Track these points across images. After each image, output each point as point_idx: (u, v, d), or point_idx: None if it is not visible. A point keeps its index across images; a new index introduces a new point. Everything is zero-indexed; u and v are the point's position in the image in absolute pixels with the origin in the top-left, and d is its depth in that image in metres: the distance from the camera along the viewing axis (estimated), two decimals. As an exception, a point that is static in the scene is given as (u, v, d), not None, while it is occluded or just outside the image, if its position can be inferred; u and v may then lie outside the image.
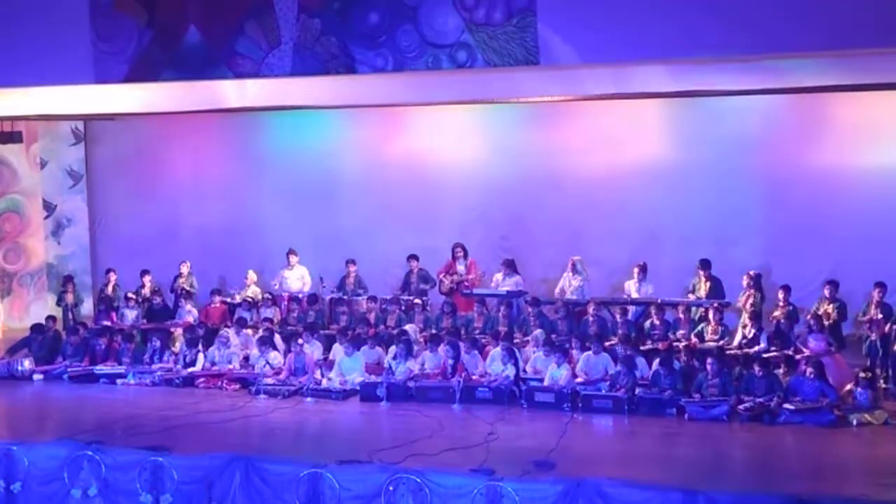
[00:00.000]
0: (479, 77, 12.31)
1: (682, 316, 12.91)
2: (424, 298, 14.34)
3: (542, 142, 15.20)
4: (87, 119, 16.70)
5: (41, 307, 16.50)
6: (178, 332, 14.33)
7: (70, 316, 15.08)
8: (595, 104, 14.45)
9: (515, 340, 12.94)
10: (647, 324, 13.04)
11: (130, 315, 14.61)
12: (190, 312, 14.78)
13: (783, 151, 14.18)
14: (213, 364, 13.19)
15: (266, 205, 16.39)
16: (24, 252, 17.01)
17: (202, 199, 16.62)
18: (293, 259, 15.19)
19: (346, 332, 13.42)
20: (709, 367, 11.38)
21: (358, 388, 12.11)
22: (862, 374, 11.17)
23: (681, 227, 14.51)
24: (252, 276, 15.31)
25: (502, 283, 14.21)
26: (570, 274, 13.94)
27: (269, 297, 14.79)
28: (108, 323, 14.46)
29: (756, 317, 12.54)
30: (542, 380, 11.94)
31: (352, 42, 12.30)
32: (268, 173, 16.47)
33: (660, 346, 12.51)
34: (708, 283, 13.30)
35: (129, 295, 14.80)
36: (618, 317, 13.19)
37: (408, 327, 13.55)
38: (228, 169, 16.63)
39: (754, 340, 12.28)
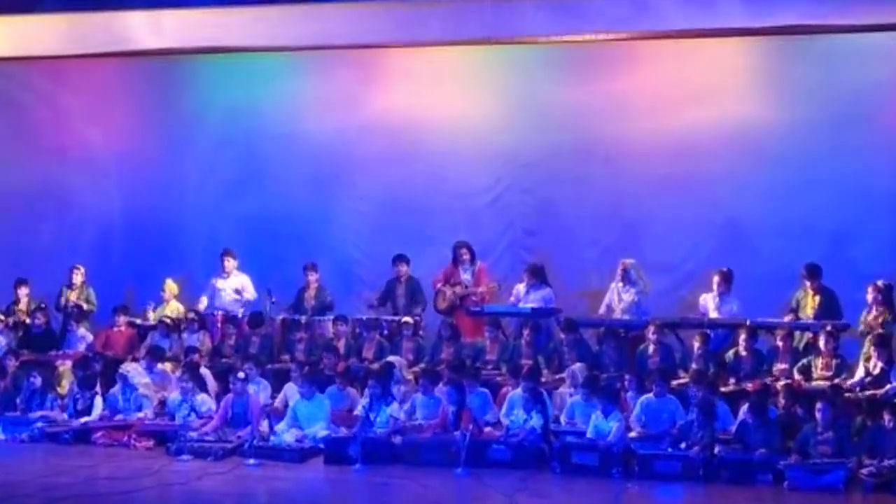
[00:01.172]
0: (491, 6, 12.30)
1: (780, 343, 12.94)
2: (416, 318, 14.38)
3: (581, 98, 15.24)
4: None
5: None
6: (67, 366, 14.37)
7: None
8: (657, 45, 14.47)
9: (544, 379, 12.95)
10: (732, 354, 13.04)
11: (-1, 342, 14.74)
12: (83, 339, 14.83)
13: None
14: (116, 412, 13.17)
15: (192, 187, 16.43)
16: None
17: (100, 177, 16.66)
18: (229, 264, 15.19)
19: (304, 367, 13.42)
20: (818, 415, 11.41)
21: (321, 445, 12.11)
22: None
23: (779, 218, 14.56)
24: (171, 287, 15.33)
25: (525, 297, 14.25)
26: (621, 284, 13.95)
27: (196, 316, 14.83)
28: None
29: (884, 344, 12.57)
30: (582, 433, 11.93)
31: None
32: (194, 143, 16.50)
33: (749, 385, 12.51)
34: (817, 298, 13.37)
35: (-3, 315, 14.94)
36: (693, 345, 13.19)
37: (391, 360, 13.58)
38: (138, 136, 16.66)
39: (883, 378, 12.31)
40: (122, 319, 14.95)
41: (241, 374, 12.89)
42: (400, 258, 14.83)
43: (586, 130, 15.19)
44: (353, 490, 11.36)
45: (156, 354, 14.14)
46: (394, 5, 12.32)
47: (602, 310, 14.08)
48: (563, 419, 12.37)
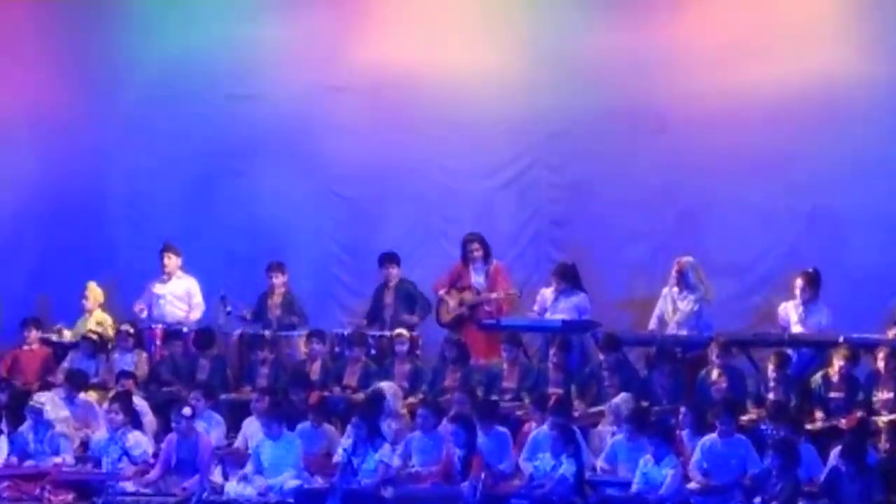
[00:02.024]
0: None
1: (882, 366, 12.93)
2: (412, 334, 14.39)
3: (623, 49, 15.23)
4: None
5: None
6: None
7: None
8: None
9: (577, 413, 12.97)
10: (820, 381, 13.04)
11: None
12: (-20, 361, 14.90)
13: None
14: (26, 456, 13.16)
15: (123, 164, 16.46)
16: None
17: (4, 147, 16.65)
18: (171, 262, 15.23)
19: (267, 398, 13.34)
20: (933, 460, 11.49)
21: (291, 499, 12.11)
22: None
23: (879, 205, 14.54)
24: (96, 292, 15.35)
25: (554, 306, 14.31)
26: (676, 290, 13.99)
27: (129, 331, 14.86)
28: None
29: None
30: (627, 484, 11.94)
31: None
32: (124, 104, 16.51)
33: (843, 422, 12.52)
34: (933, 308, 13.45)
35: None
36: (768, 369, 13.18)
37: (381, 387, 13.55)
38: (54, 95, 16.66)
39: None
40: (34, 335, 14.94)
41: (186, 410, 12.83)
42: (388, 259, 14.86)
43: (630, 91, 15.22)
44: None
45: (77, 380, 14.07)
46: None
47: (653, 323, 14.10)
48: (601, 465, 12.36)
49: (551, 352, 13.74)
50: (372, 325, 14.73)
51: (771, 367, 13.10)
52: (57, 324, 15.44)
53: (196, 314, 15.22)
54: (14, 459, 13.14)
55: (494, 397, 13.43)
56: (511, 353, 13.83)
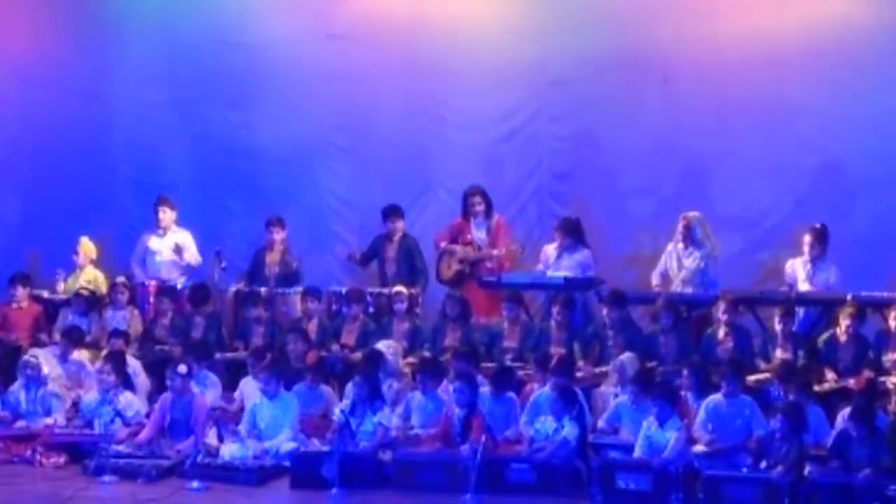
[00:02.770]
0: None
1: (893, 325, 12.83)
2: (412, 291, 14.34)
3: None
4: None
5: None
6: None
7: None
8: None
9: (580, 373, 12.91)
10: (827, 341, 12.99)
11: None
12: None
13: None
14: (16, 416, 13.13)
15: (116, 112, 16.37)
16: None
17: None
18: (165, 216, 15.17)
19: (264, 357, 13.30)
20: (945, 423, 11.41)
21: (287, 462, 12.04)
22: None
23: (891, 158, 14.42)
24: (88, 247, 15.28)
25: (557, 262, 14.23)
26: (682, 246, 13.93)
27: (123, 286, 14.79)
28: None
29: None
30: (630, 447, 11.86)
31: None
32: (118, 53, 16.41)
33: (851, 383, 12.46)
34: (945, 265, 13.46)
35: None
36: (774, 327, 13.11)
37: (382, 346, 13.48)
38: (45, 42, 16.52)
39: None
40: (22, 293, 14.83)
41: (181, 368, 12.73)
42: (393, 211, 14.76)
43: (635, 39, 15.11)
44: (328, 523, 11.32)
45: (74, 337, 14.02)
46: None
47: (656, 280, 14.04)
48: (603, 426, 12.31)
49: (554, 310, 13.65)
50: (364, 267, 14.87)
51: (777, 322, 13.05)
52: (57, 270, 15.32)
53: (192, 262, 15.22)
54: (7, 414, 13.09)
55: (497, 357, 13.40)
56: (512, 311, 13.78)
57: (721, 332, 13.17)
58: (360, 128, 15.83)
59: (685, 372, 12.51)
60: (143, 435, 12.56)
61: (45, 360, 13.43)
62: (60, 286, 15.11)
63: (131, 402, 12.97)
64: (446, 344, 13.65)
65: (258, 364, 13.04)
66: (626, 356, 12.84)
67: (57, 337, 14.32)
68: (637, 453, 11.69)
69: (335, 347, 13.92)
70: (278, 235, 14.87)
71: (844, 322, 12.83)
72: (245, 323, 14.42)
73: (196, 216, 15.48)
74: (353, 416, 12.27)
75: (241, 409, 12.94)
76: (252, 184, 15.80)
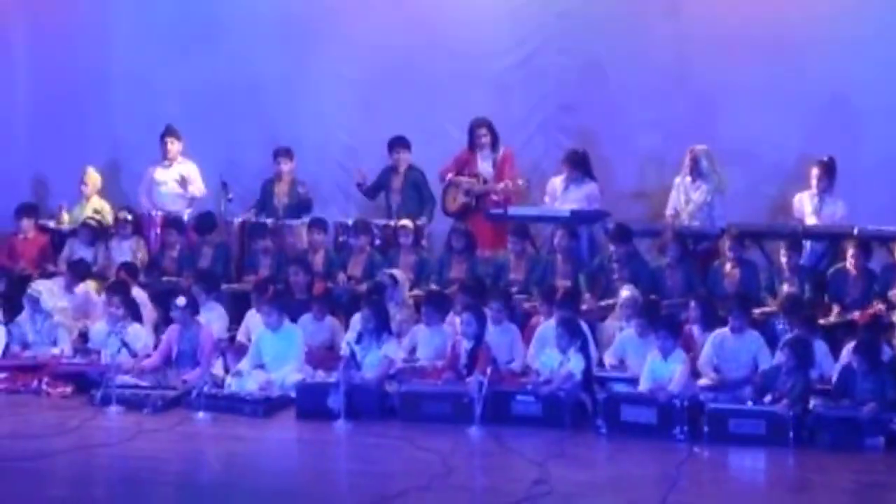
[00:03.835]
0: None
1: (899, 259, 12.96)
2: (418, 223, 14.37)
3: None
4: None
5: None
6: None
7: None
8: None
9: (585, 306, 12.90)
10: (833, 274, 13.00)
11: None
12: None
13: None
14: (24, 347, 13.18)
15: (122, 44, 16.35)
16: None
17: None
18: (172, 147, 15.18)
19: (266, 290, 13.29)
20: (948, 359, 11.39)
21: (292, 393, 12.08)
22: None
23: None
24: (94, 176, 15.32)
25: (564, 195, 14.22)
26: (689, 179, 13.92)
27: (128, 218, 14.81)
28: None
29: None
30: (634, 381, 11.90)
31: None
32: None
33: (856, 315, 12.46)
34: (953, 199, 13.45)
35: None
36: (781, 260, 13.12)
37: (389, 273, 13.51)
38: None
39: None
40: (27, 223, 14.89)
41: (180, 300, 12.78)
42: (399, 142, 14.72)
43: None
44: (334, 454, 11.31)
45: (78, 270, 14.06)
46: None
47: (669, 213, 14.06)
48: (610, 361, 12.33)
49: (560, 242, 13.66)
50: (371, 198, 14.86)
51: (783, 255, 13.08)
52: (59, 204, 15.41)
53: (196, 194, 15.28)
54: (18, 349, 13.14)
55: (503, 290, 13.33)
56: (517, 245, 13.78)
57: (728, 266, 13.20)
58: (367, 58, 15.75)
59: (692, 304, 12.58)
60: (148, 363, 12.65)
61: (49, 293, 13.47)
62: (64, 218, 15.14)
63: (138, 334, 12.99)
64: (452, 276, 13.67)
65: (261, 297, 13.05)
66: (629, 290, 12.79)
67: (63, 267, 14.35)
68: (642, 386, 11.71)
69: (341, 278, 13.93)
70: (286, 166, 14.87)
71: (852, 256, 12.83)
72: (252, 254, 14.44)
73: (202, 147, 15.47)
74: (359, 347, 12.29)
75: (248, 341, 12.97)
76: (259, 115, 15.79)
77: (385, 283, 13.34)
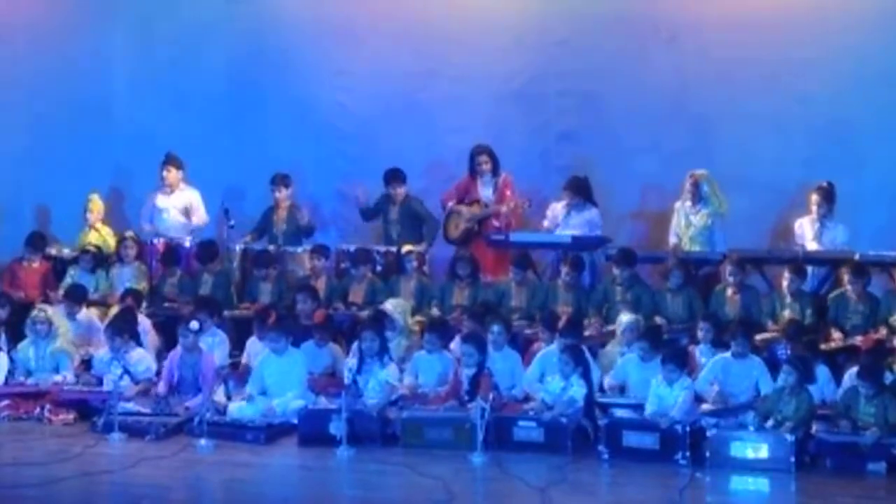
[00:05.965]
0: None
1: (900, 284, 12.95)
2: (418, 249, 14.36)
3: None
4: None
5: None
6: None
7: None
8: None
9: (588, 332, 12.91)
10: (835, 300, 12.97)
11: None
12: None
13: None
14: (27, 374, 13.16)
15: (124, 72, 16.45)
16: None
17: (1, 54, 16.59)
18: (172, 175, 15.21)
19: (268, 318, 13.24)
20: (952, 384, 11.35)
21: (294, 420, 12.05)
22: None
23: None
24: (98, 203, 15.33)
25: (565, 221, 14.24)
26: (689, 204, 13.93)
27: (131, 242, 14.82)
28: None
29: None
30: (638, 406, 11.88)
31: None
32: (128, 11, 16.52)
33: (858, 341, 12.45)
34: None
35: None
36: (782, 285, 13.11)
37: (388, 305, 13.47)
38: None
39: None
40: (37, 255, 14.95)
41: (193, 324, 12.73)
42: (394, 177, 14.77)
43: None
44: (336, 480, 11.26)
45: (76, 295, 14.02)
46: None
47: (672, 240, 14.10)
48: (609, 382, 12.36)
49: (563, 270, 13.72)
50: (370, 220, 14.96)
51: (785, 280, 13.07)
52: (56, 241, 15.46)
53: (199, 224, 15.31)
54: (22, 378, 13.10)
55: (504, 316, 13.24)
56: (519, 275, 13.83)
57: (729, 292, 13.19)
58: (366, 87, 15.80)
59: (703, 325, 12.58)
60: (146, 389, 12.71)
61: (55, 317, 13.43)
62: (65, 252, 15.20)
63: (141, 359, 12.98)
64: (453, 303, 13.67)
65: (263, 325, 13.01)
66: (631, 317, 12.77)
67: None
68: (649, 411, 11.68)
69: (342, 306, 13.94)
70: (281, 194, 14.92)
71: (852, 282, 12.83)
72: (253, 281, 14.44)
73: (204, 174, 15.52)
74: (360, 373, 12.30)
75: (248, 369, 12.94)
76: (259, 142, 15.87)
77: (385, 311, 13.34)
